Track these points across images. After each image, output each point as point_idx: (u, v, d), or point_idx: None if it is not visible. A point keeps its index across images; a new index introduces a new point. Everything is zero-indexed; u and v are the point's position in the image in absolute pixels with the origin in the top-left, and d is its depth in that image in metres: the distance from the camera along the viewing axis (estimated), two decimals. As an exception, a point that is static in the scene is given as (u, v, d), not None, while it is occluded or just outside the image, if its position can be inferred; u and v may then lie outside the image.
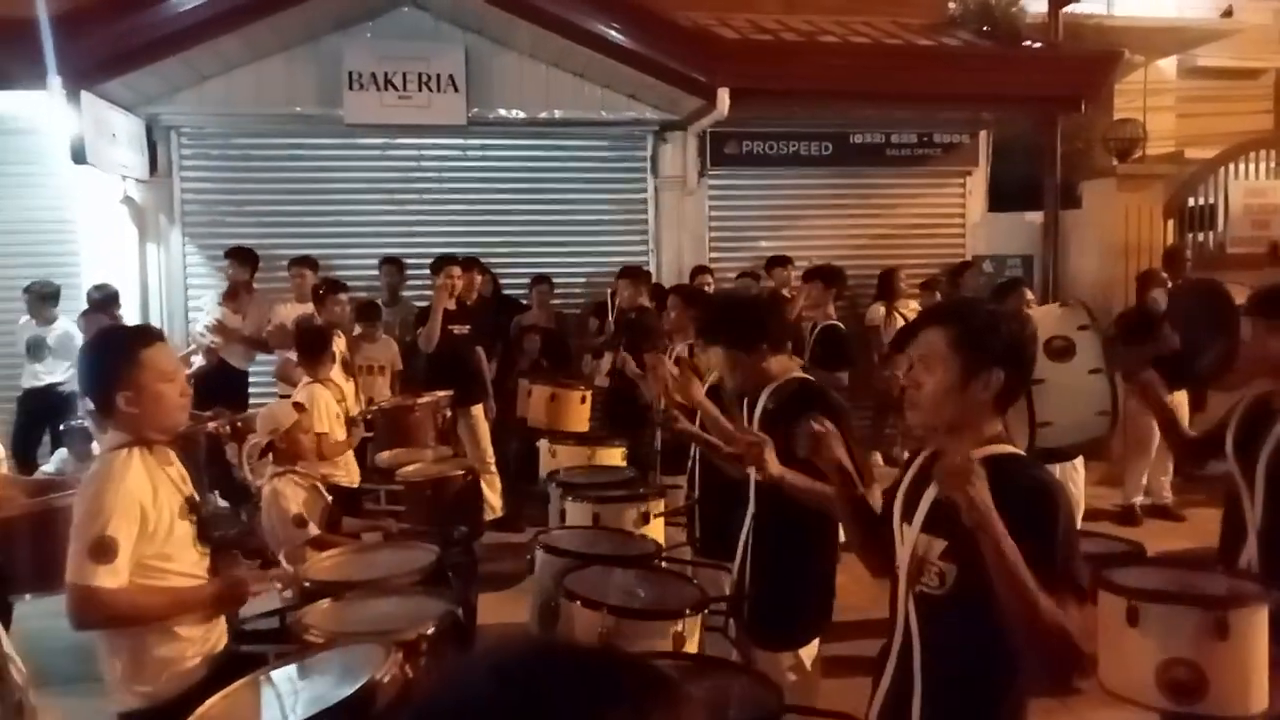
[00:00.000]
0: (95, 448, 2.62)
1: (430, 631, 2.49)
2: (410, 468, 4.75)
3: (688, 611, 2.52)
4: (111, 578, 2.34)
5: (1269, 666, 2.54)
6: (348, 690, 1.86)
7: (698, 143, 8.32)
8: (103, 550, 2.33)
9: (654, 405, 5.00)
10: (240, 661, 2.54)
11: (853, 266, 8.28)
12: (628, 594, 2.65)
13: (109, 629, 2.45)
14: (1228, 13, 11.98)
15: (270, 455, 4.52)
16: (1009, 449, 1.95)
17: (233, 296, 7.00)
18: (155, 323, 7.45)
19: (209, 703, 1.98)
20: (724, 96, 7.21)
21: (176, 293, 7.74)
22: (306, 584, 2.98)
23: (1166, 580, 2.60)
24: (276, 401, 5.53)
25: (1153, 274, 7.52)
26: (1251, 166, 9.10)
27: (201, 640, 2.58)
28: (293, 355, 6.20)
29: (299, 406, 5.06)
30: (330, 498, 4.80)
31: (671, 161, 8.35)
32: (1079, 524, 4.35)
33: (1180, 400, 6.59)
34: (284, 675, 2.14)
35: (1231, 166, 9.03)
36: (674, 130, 8.24)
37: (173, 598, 2.50)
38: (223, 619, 2.70)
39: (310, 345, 5.37)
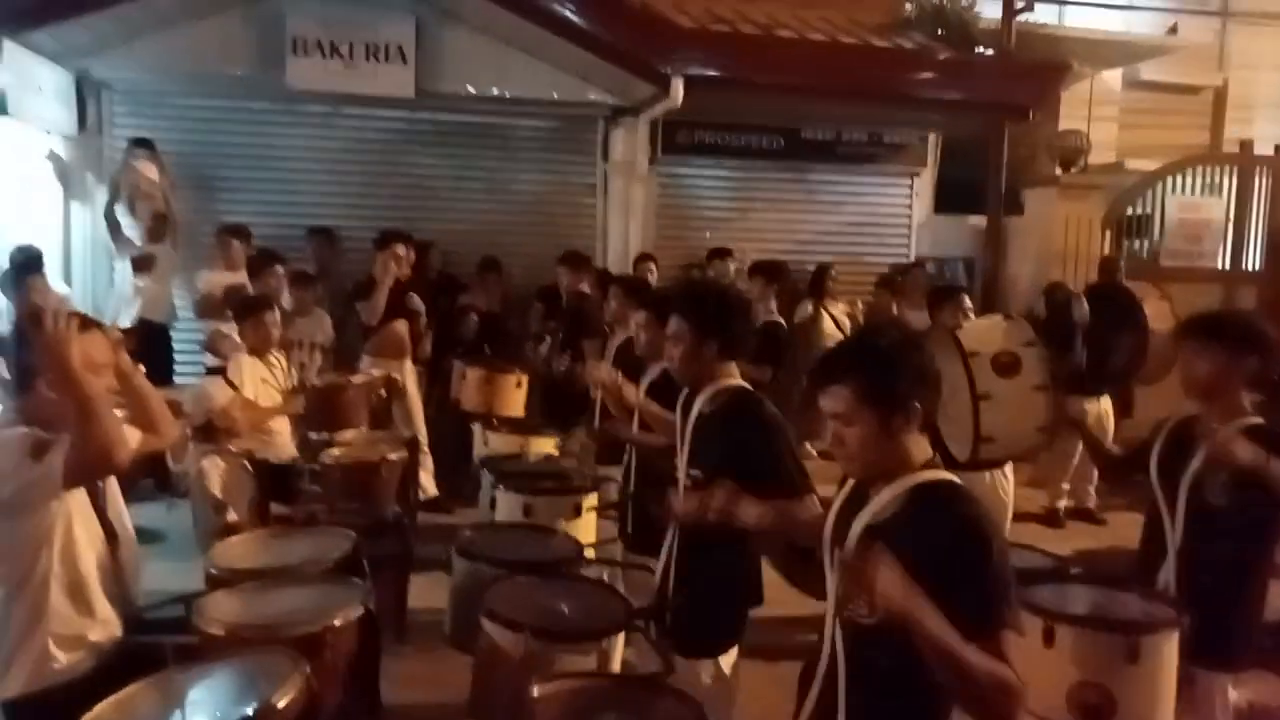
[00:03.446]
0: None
1: (337, 624, 2.41)
2: (336, 450, 4.63)
3: (611, 631, 2.47)
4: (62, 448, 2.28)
5: (1181, 684, 2.61)
6: (248, 709, 1.77)
7: (649, 130, 8.21)
8: (36, 449, 2.29)
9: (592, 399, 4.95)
10: (135, 652, 2.44)
11: (799, 262, 8.30)
12: (551, 608, 2.57)
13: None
14: (1173, 29, 12.25)
15: (199, 436, 4.39)
16: (939, 475, 1.93)
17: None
18: (76, 285, 7.17)
19: (98, 709, 1.88)
20: (678, 85, 7.13)
21: (100, 255, 7.43)
22: (213, 571, 2.86)
23: (1085, 600, 2.64)
24: (206, 379, 5.34)
25: (1059, 285, 7.69)
26: (1187, 180, 9.34)
27: (97, 626, 2.46)
28: (222, 325, 6.00)
29: (229, 381, 4.91)
30: (256, 477, 4.67)
31: (622, 147, 8.25)
32: (1007, 528, 4.43)
33: (1106, 409, 6.76)
34: (181, 683, 2.04)
35: (1168, 180, 9.25)
36: (626, 116, 8.13)
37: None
38: (114, 608, 2.56)
39: (247, 312, 5.19)
